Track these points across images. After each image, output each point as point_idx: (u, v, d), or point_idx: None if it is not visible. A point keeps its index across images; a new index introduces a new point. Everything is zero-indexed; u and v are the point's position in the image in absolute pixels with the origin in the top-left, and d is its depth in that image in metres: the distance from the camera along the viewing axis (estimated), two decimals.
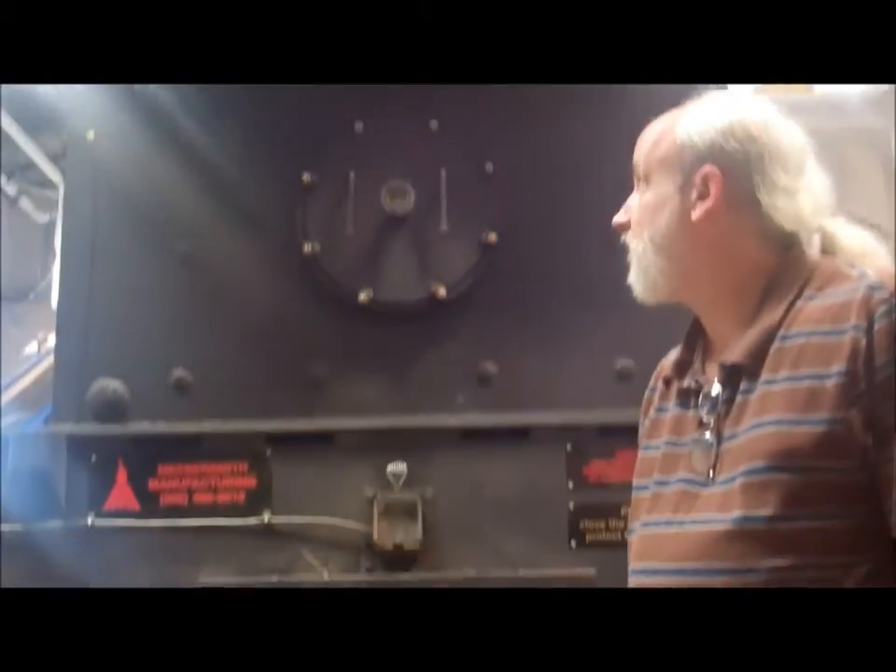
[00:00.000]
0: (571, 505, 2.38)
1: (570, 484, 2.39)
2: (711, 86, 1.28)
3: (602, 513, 2.37)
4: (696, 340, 1.38)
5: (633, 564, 1.36)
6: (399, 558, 2.32)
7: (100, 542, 2.35)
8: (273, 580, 2.25)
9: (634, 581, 1.35)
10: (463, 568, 2.31)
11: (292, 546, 2.35)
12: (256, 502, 2.37)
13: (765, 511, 1.20)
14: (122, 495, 2.36)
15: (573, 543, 2.36)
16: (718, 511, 1.24)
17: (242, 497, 2.38)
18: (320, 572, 2.30)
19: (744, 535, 1.21)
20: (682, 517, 1.28)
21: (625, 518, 2.37)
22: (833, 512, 1.19)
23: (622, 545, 2.34)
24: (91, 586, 2.28)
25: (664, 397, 1.41)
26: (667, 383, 1.40)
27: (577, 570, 2.25)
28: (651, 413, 1.42)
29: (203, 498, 2.37)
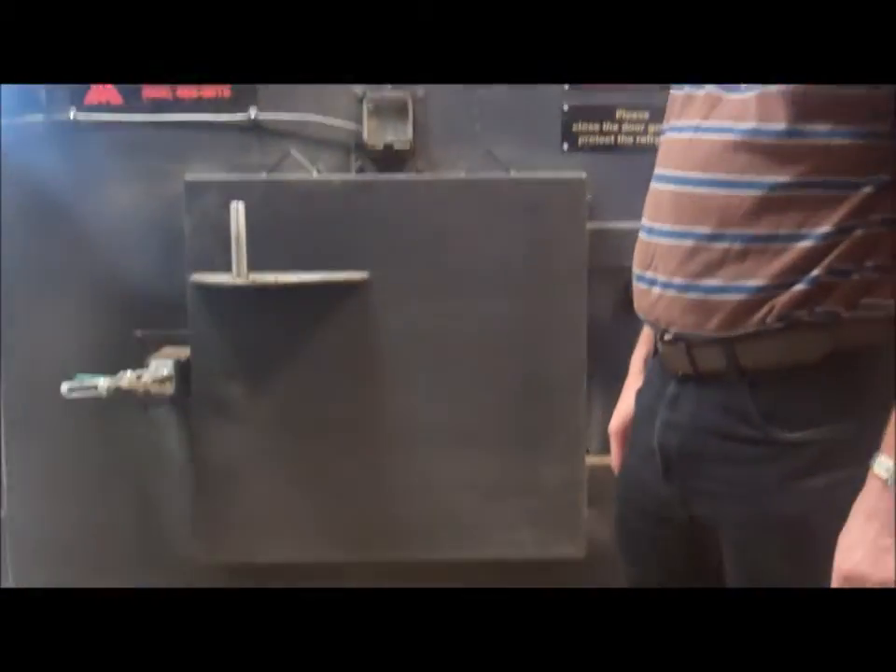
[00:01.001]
0: (565, 106, 2.32)
1: (565, 84, 2.31)
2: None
3: (596, 116, 2.32)
4: None
5: (655, 169, 1.33)
6: (390, 158, 2.30)
7: (84, 138, 2.30)
8: (261, 177, 2.24)
9: (651, 188, 1.32)
10: (453, 170, 2.30)
11: (281, 144, 2.31)
12: (241, 97, 2.29)
13: (777, 125, 1.16)
14: (103, 88, 2.28)
15: (565, 146, 2.33)
16: (734, 121, 1.20)
17: (227, 91, 2.29)
18: (310, 171, 2.28)
19: (752, 147, 1.18)
20: (702, 123, 1.24)
21: (620, 121, 2.34)
22: (847, 130, 1.15)
23: (614, 149, 2.34)
24: (78, 186, 2.28)
25: None
26: None
27: (567, 173, 2.24)
28: None
29: (186, 93, 2.29)
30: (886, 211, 1.17)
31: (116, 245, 2.31)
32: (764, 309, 1.19)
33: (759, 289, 1.19)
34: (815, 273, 1.17)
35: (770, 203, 1.18)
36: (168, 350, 2.30)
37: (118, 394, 2.19)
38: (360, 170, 2.30)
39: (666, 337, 1.29)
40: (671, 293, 1.25)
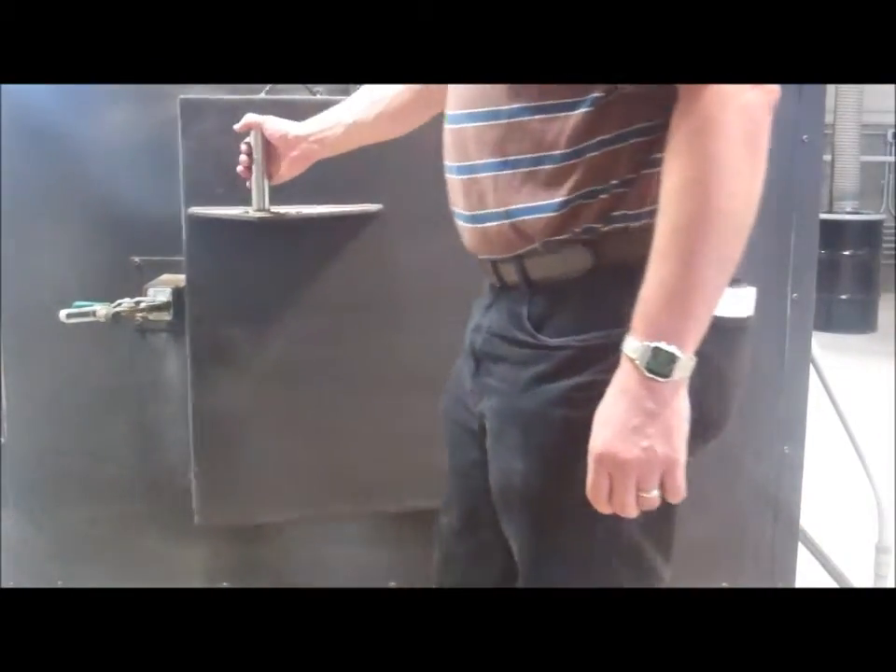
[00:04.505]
0: None
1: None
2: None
3: None
4: None
5: None
6: None
7: None
8: (261, 97, 2.11)
9: None
10: None
11: None
12: None
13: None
14: None
15: None
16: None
17: None
18: (312, 92, 2.19)
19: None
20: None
21: None
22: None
23: None
24: (74, 108, 2.17)
25: None
26: None
27: None
28: None
29: None
30: (607, 133, 1.26)
31: (113, 170, 2.23)
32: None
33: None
34: (563, 198, 1.28)
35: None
36: (166, 277, 2.25)
37: (116, 320, 2.16)
38: None
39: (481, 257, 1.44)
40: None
